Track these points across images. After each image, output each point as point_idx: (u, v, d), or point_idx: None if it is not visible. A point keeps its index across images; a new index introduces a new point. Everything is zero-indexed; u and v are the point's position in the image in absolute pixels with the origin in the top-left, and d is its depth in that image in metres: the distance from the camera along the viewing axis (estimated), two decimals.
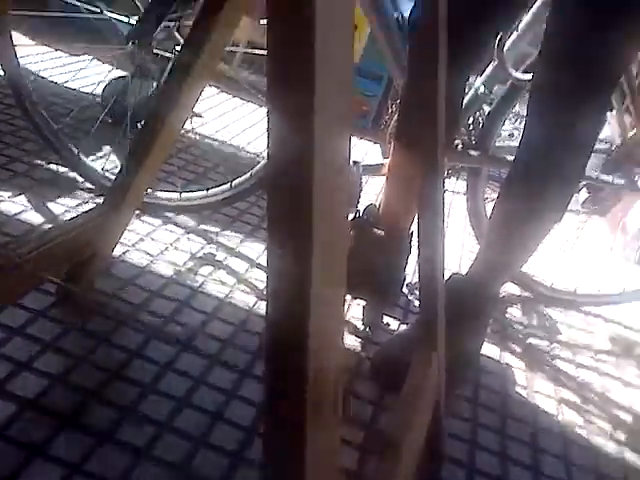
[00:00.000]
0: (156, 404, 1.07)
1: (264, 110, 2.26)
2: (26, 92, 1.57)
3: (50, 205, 1.53)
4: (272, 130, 0.42)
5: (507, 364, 1.48)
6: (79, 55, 2.45)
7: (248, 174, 1.54)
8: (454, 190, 2.23)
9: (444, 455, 1.12)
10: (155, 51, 1.47)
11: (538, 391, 1.42)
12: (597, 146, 1.55)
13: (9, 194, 1.51)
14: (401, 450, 0.83)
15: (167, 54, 1.50)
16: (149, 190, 1.54)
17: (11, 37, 1.49)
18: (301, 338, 0.45)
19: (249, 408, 1.12)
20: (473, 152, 1.63)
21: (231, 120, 2.39)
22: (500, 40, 1.46)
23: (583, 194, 2.04)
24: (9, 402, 0.99)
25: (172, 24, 1.46)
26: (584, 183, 1.72)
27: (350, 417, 1.16)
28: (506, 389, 1.39)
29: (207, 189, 1.59)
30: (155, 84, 1.70)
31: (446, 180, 1.95)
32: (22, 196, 1.52)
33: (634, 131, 1.64)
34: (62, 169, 1.68)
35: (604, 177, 1.69)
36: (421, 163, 0.92)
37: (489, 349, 1.49)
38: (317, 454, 0.50)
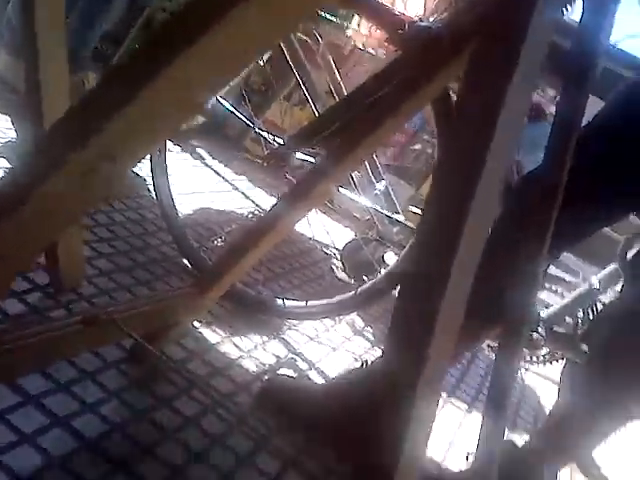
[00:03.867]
0: (203, 472, 1.11)
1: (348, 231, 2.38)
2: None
3: (140, 272, 1.63)
4: None
5: None
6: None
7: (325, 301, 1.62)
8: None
9: None
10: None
11: None
12: None
13: (106, 252, 1.63)
14: None
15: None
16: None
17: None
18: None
19: None
20: (577, 345, 1.67)
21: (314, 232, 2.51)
22: (626, 245, 1.54)
23: None
24: (72, 437, 1.05)
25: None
26: None
27: None
28: None
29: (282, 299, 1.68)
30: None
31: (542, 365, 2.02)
32: (117, 257, 1.63)
33: None
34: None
35: None
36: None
37: None
38: None
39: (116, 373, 1.25)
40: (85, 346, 1.11)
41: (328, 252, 2.34)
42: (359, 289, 1.58)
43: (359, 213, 2.41)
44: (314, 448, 1.29)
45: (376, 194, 1.98)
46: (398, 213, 2.02)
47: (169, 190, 1.79)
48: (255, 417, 1.30)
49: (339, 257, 2.24)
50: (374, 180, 2.02)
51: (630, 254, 1.59)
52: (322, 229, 2.42)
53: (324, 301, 1.62)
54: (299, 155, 1.64)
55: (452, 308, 0.47)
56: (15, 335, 0.91)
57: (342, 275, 2.19)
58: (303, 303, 1.65)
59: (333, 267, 2.26)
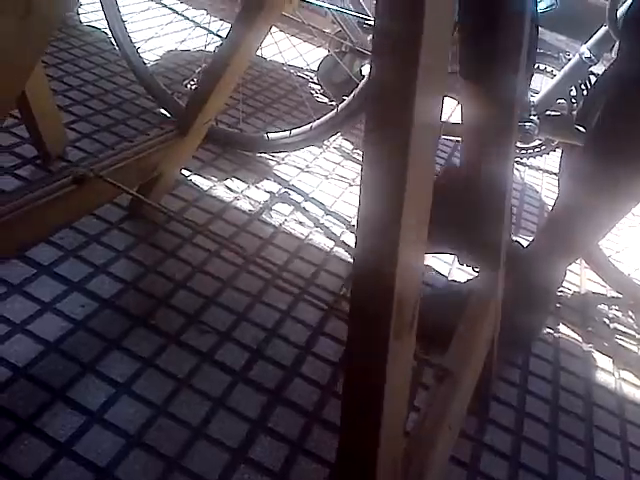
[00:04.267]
0: (217, 315, 1.16)
1: (321, 50, 2.33)
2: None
3: (122, 127, 1.61)
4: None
5: (590, 354, 1.43)
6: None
7: (308, 126, 1.60)
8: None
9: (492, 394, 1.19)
10: None
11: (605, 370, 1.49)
12: None
13: (84, 114, 1.60)
14: (459, 381, 0.87)
15: None
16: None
17: None
18: (390, 263, 0.50)
19: (303, 328, 1.21)
20: (572, 127, 1.54)
21: (286, 58, 2.45)
22: (613, 2, 1.40)
23: None
24: (89, 299, 1.10)
25: None
26: None
27: None
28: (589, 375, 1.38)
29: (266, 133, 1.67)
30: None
31: (538, 157, 1.99)
32: (96, 117, 1.61)
33: None
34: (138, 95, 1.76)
35: None
36: (493, 130, 0.95)
37: (573, 339, 1.46)
38: (397, 370, 0.56)
39: (119, 232, 1.27)
40: (82, 208, 1.13)
41: (304, 76, 2.29)
42: (338, 108, 1.55)
43: (329, 27, 2.33)
44: (320, 278, 1.35)
45: (343, 0, 1.89)
46: (369, 17, 1.94)
47: (130, 40, 1.73)
48: (258, 256, 1.34)
49: (316, 79, 2.20)
50: None
51: (620, 11, 1.46)
52: (294, 52, 2.36)
53: (307, 127, 1.60)
54: None
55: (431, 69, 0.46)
56: (11, 206, 0.92)
57: (323, 98, 2.16)
58: (287, 133, 1.63)
59: (312, 91, 2.22)
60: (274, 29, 2.31)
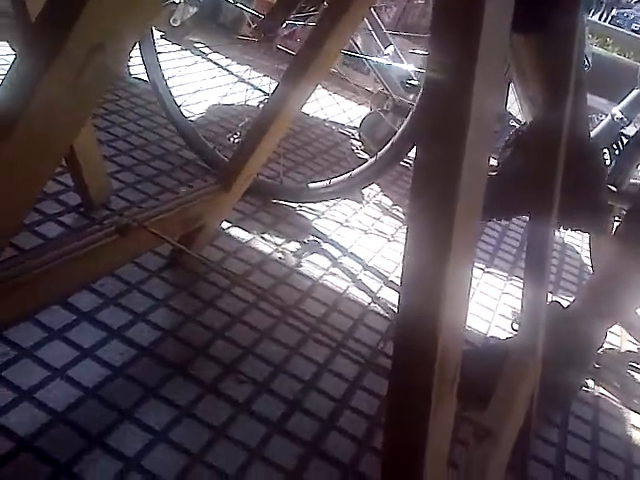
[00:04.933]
0: (255, 365, 1.16)
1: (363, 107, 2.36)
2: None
3: (165, 178, 1.64)
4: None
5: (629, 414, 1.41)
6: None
7: (347, 175, 1.63)
8: None
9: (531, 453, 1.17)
10: (278, 46, 1.59)
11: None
12: None
13: (128, 164, 1.64)
14: (498, 440, 0.86)
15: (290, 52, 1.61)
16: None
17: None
18: (433, 321, 0.50)
19: (340, 381, 1.20)
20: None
21: (329, 114, 2.49)
22: None
23: None
24: (128, 347, 1.10)
25: (298, 22, 1.57)
26: None
27: None
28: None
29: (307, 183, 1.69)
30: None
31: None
32: (139, 167, 1.65)
33: None
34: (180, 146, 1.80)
35: None
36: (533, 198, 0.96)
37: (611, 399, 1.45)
38: (439, 432, 0.56)
39: (159, 281, 1.29)
40: (124, 256, 1.14)
41: (346, 132, 2.32)
42: (377, 155, 1.57)
43: (371, 86, 2.37)
44: (358, 333, 1.35)
45: (386, 64, 1.92)
46: (411, 77, 1.98)
47: (171, 95, 1.78)
48: (297, 309, 1.34)
49: (358, 135, 2.23)
50: (381, 46, 1.96)
51: None
52: (337, 109, 2.39)
53: (345, 176, 1.63)
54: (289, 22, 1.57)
55: (477, 149, 0.46)
56: (55, 254, 0.93)
57: (364, 154, 2.19)
58: (326, 182, 1.66)
59: (353, 147, 2.25)
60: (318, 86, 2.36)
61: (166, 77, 1.78)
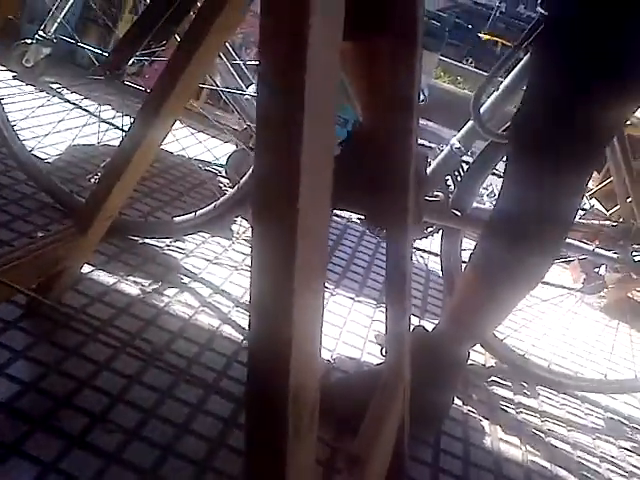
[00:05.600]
0: (124, 413, 1.11)
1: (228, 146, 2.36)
2: None
3: (20, 223, 1.56)
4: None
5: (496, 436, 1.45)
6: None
7: (212, 206, 1.62)
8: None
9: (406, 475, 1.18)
10: (126, 83, 1.56)
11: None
12: None
13: None
14: (368, 467, 0.85)
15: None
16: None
17: None
18: (283, 357, 0.48)
19: (215, 421, 1.17)
20: (449, 212, 1.61)
21: (194, 153, 2.46)
22: (476, 98, 1.48)
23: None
24: None
25: (145, 58, 1.55)
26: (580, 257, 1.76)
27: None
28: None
29: (172, 217, 1.66)
30: None
31: (422, 239, 2.02)
32: None
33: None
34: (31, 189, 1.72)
35: (601, 251, 1.67)
36: (390, 223, 0.98)
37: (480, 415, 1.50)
38: (297, 471, 0.53)
39: (17, 331, 1.21)
40: None
41: (212, 170, 2.30)
42: (239, 184, 1.60)
43: (237, 124, 2.36)
44: (232, 370, 1.32)
45: (247, 99, 1.93)
46: None
47: (18, 138, 1.71)
48: (168, 350, 1.30)
49: (225, 172, 2.21)
50: (243, 85, 1.96)
51: (484, 107, 1.52)
52: (201, 147, 2.37)
53: (210, 207, 1.63)
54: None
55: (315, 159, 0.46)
56: None
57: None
58: (192, 215, 1.65)
59: (220, 185, 2.23)
60: (180, 125, 2.34)
61: (11, 120, 1.70)
